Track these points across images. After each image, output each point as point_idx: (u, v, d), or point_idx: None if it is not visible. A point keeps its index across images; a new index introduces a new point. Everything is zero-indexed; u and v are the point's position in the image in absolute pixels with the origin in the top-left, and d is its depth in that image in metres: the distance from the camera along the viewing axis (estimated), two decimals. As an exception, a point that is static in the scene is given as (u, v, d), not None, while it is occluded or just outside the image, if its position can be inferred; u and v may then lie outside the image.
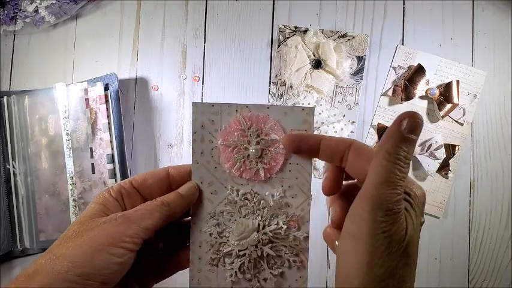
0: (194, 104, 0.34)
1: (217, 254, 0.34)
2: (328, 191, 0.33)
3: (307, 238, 0.35)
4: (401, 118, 0.27)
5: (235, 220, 0.34)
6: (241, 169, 0.34)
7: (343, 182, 0.34)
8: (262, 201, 0.34)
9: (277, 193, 0.34)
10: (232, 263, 0.34)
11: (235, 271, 0.34)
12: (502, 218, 0.70)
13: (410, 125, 0.27)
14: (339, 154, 0.31)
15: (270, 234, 0.34)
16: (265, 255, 0.34)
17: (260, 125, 0.34)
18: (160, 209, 0.31)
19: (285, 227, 0.34)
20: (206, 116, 0.34)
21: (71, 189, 0.68)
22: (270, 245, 0.34)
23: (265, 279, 0.34)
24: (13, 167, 0.72)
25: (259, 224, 0.34)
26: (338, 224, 0.32)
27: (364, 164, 0.29)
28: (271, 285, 0.34)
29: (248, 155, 0.34)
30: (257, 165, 0.34)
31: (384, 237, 0.27)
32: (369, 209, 0.27)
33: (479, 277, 0.70)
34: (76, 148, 0.69)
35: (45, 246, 0.70)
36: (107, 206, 0.31)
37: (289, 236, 0.34)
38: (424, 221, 0.30)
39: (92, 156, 0.69)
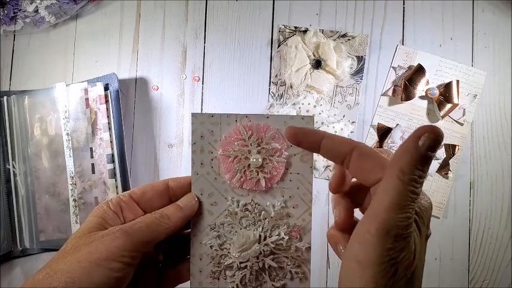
0: (193, 115, 0.34)
1: (218, 267, 0.34)
2: (335, 188, 0.32)
3: (309, 249, 0.34)
4: (419, 133, 0.24)
5: (236, 232, 0.34)
6: (242, 179, 0.34)
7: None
8: (263, 212, 0.34)
9: (278, 203, 0.34)
10: (234, 275, 0.34)
11: (237, 284, 0.34)
12: (502, 218, 0.70)
13: (429, 142, 0.24)
14: (341, 155, 0.30)
15: (272, 245, 0.34)
16: (266, 267, 0.34)
17: (261, 134, 0.34)
18: (159, 221, 0.31)
19: (286, 237, 0.34)
20: (205, 127, 0.34)
21: (71, 189, 0.68)
22: (271, 256, 0.34)
23: None
24: (13, 167, 0.72)
25: (260, 235, 0.34)
26: (342, 227, 0.31)
27: (369, 170, 0.28)
28: None
29: (249, 165, 0.34)
30: (258, 174, 0.34)
31: (392, 264, 0.25)
32: (377, 234, 0.25)
33: (479, 277, 0.70)
34: (76, 148, 0.69)
35: (45, 246, 0.70)
36: (106, 220, 0.31)
37: (291, 247, 0.34)
38: (430, 234, 0.28)
39: (92, 156, 0.69)
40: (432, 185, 0.71)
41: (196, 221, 0.34)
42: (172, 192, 0.34)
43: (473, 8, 0.73)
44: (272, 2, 0.75)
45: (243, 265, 0.34)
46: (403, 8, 0.74)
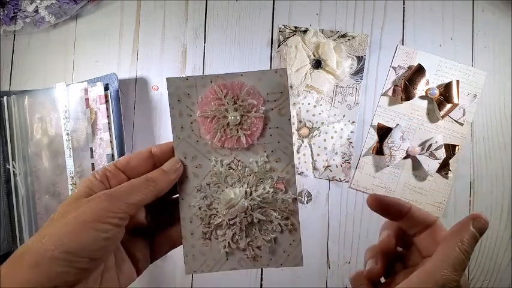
0: (168, 80, 0.35)
1: (209, 227, 0.34)
2: (388, 248, 0.34)
3: (295, 200, 0.35)
4: (474, 216, 0.31)
5: (222, 191, 0.34)
6: (223, 138, 0.34)
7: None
8: (246, 169, 0.35)
9: (261, 159, 0.34)
10: (225, 234, 0.34)
11: (228, 242, 0.34)
12: (502, 218, 0.70)
13: (481, 225, 0.31)
14: (421, 227, 0.33)
15: (258, 199, 0.34)
16: (255, 221, 0.34)
17: (236, 91, 0.34)
18: (144, 185, 0.32)
19: (271, 190, 0.34)
20: (182, 90, 0.35)
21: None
22: (259, 210, 0.34)
23: (259, 247, 0.34)
24: (13, 167, 0.72)
25: (246, 191, 0.34)
26: (374, 278, 0.33)
27: (435, 243, 0.32)
28: (265, 252, 0.34)
29: (228, 123, 0.34)
30: (238, 132, 0.34)
31: None
32: None
33: (479, 277, 0.70)
34: (76, 148, 0.69)
35: (45, 246, 0.70)
36: (92, 188, 0.32)
37: (277, 200, 0.34)
38: None
39: (92, 156, 0.69)
40: (432, 185, 0.71)
41: (182, 185, 0.35)
42: (157, 159, 0.34)
43: (473, 8, 0.73)
44: (272, 2, 0.75)
45: (231, 222, 0.34)
46: (403, 8, 0.74)
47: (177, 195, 0.35)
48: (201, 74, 0.74)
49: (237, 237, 0.34)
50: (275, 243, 0.34)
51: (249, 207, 0.34)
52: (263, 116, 0.34)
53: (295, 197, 0.35)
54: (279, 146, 0.34)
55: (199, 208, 0.34)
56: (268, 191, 0.34)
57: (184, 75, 0.35)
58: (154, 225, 0.37)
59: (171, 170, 0.34)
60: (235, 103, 0.34)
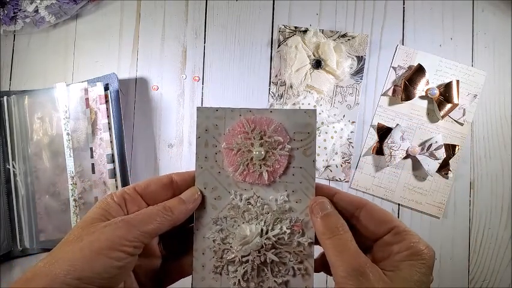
0: (199, 109, 0.34)
1: (221, 262, 0.34)
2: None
3: (311, 244, 0.34)
4: (312, 207, 0.32)
5: (238, 225, 0.34)
6: (245, 173, 0.34)
7: None
8: (265, 206, 0.34)
9: (281, 197, 0.34)
10: (236, 270, 0.33)
11: (239, 279, 0.33)
12: (502, 218, 0.70)
13: (319, 207, 0.32)
14: (350, 212, 0.33)
15: (274, 239, 0.33)
16: (268, 261, 0.33)
17: (263, 127, 0.34)
18: (161, 214, 0.31)
19: (288, 231, 0.34)
20: (210, 121, 0.34)
21: (71, 189, 0.68)
22: (273, 250, 0.33)
23: None
24: (13, 167, 0.72)
25: (262, 229, 0.34)
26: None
27: (374, 225, 0.32)
28: None
29: (251, 158, 0.34)
30: (260, 168, 0.34)
31: None
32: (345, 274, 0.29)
33: (479, 277, 0.70)
34: (76, 148, 0.69)
35: (45, 246, 0.70)
36: (109, 211, 0.31)
37: (293, 242, 0.34)
38: (432, 280, 0.30)
39: (92, 156, 0.69)
40: (432, 185, 0.71)
41: (199, 215, 0.34)
42: (176, 186, 0.34)
43: (473, 8, 0.73)
44: (272, 2, 0.75)
45: (244, 259, 0.33)
46: (403, 8, 0.74)
47: (193, 224, 0.34)
48: (202, 74, 0.74)
49: (248, 275, 0.33)
50: (286, 287, 0.34)
51: (264, 246, 0.33)
52: (288, 154, 0.34)
53: (311, 241, 0.34)
54: (301, 186, 0.34)
55: (214, 241, 0.34)
56: (285, 232, 0.34)
57: (214, 107, 0.35)
58: (166, 253, 0.36)
59: (189, 200, 0.33)
60: (261, 138, 0.34)
